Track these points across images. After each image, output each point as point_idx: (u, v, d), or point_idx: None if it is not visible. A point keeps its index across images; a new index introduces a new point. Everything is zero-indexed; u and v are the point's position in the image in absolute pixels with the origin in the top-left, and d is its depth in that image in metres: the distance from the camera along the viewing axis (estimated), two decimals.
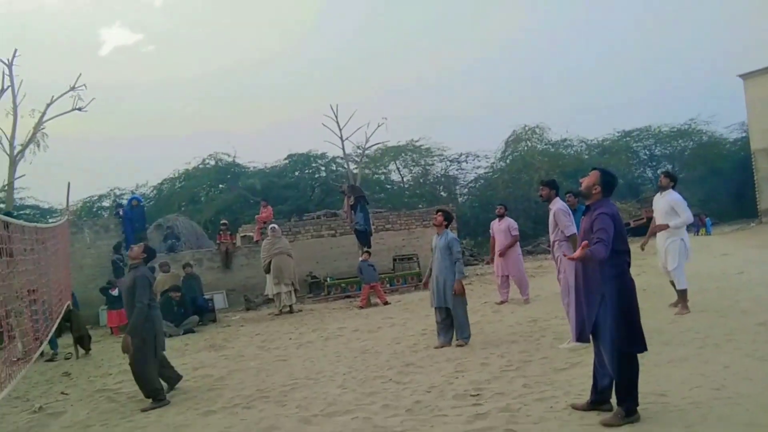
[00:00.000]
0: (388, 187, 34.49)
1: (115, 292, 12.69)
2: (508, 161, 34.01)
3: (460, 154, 34.52)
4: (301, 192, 31.34)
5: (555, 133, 35.24)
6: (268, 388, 6.75)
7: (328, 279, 15.99)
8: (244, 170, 32.19)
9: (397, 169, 34.90)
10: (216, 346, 9.95)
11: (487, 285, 14.84)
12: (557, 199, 7.46)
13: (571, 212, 7.47)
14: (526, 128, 34.19)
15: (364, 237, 15.65)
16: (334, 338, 9.51)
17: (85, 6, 46.34)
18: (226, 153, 32.25)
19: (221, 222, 17.83)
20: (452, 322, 7.91)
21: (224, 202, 28.94)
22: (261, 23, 52.46)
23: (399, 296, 14.29)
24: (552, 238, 7.34)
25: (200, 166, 32.06)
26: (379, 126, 27.81)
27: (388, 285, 15.11)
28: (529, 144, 34.39)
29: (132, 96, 46.34)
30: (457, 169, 35.09)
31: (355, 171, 29.38)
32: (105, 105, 44.90)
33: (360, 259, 13.86)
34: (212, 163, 32.21)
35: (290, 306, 13.16)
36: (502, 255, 10.96)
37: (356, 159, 30.53)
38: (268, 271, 13.48)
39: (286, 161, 33.04)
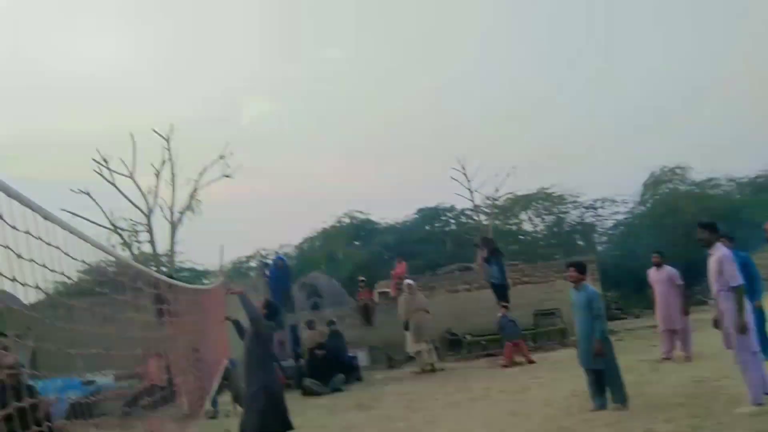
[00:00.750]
0: (522, 237, 33.73)
1: None
2: (648, 205, 32.04)
3: (595, 200, 33.09)
4: (433, 246, 31.50)
5: (698, 172, 32.71)
6: None
7: (468, 336, 15.73)
8: (377, 227, 33.05)
9: (529, 218, 34.14)
10: (363, 406, 10.06)
11: (639, 340, 13.89)
12: (719, 244, 6.81)
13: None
14: (665, 169, 32.15)
15: (501, 291, 15.32)
16: (481, 399, 9.29)
17: (227, 78, 50.76)
18: (360, 210, 33.39)
19: (359, 279, 18.31)
20: (605, 384, 7.44)
21: (360, 259, 29.74)
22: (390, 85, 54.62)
23: (544, 354, 13.72)
24: (716, 287, 6.71)
25: (336, 224, 33.37)
26: (508, 175, 27.73)
27: (531, 342, 14.58)
28: (671, 186, 32.22)
29: (270, 159, 49.59)
30: (593, 216, 33.62)
31: (485, 222, 29.24)
32: (250, 169, 48.26)
33: (498, 314, 13.55)
34: (347, 221, 33.42)
35: (432, 364, 13.07)
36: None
37: (486, 210, 30.39)
38: (407, 328, 13.55)
39: (416, 216, 33.53)
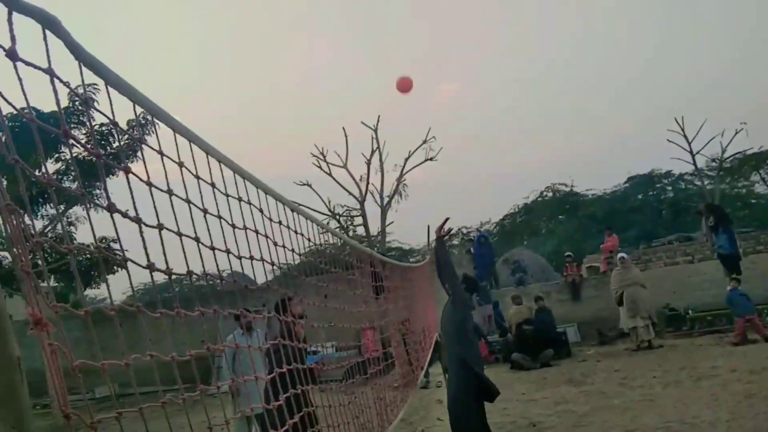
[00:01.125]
0: (753, 201, 29.84)
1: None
2: None
3: None
4: (647, 216, 29.22)
5: None
6: (637, 429, 6.40)
7: (690, 311, 14.45)
8: (582, 198, 31.59)
9: (763, 179, 30.01)
10: (575, 381, 9.84)
11: None
12: None
13: None
14: None
15: (730, 262, 13.84)
16: (707, 379, 8.53)
17: (425, 64, 51.99)
18: (563, 183, 32.17)
19: (566, 254, 17.74)
20: None
21: (565, 233, 28.76)
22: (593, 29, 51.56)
23: None
24: None
25: (539, 199, 32.57)
26: (737, 132, 24.62)
27: (767, 318, 12.95)
28: None
29: (469, 138, 49.86)
30: None
31: (709, 187, 26.32)
32: (451, 150, 49.20)
33: (728, 288, 12.22)
34: (550, 194, 32.44)
35: (649, 341, 12.27)
36: None
37: (710, 174, 27.35)
38: (620, 303, 12.88)
39: (627, 184, 31.33)
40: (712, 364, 9.52)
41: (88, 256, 17.72)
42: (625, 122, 45.28)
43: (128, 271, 1.85)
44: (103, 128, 14.31)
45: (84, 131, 17.46)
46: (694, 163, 25.47)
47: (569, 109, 50.95)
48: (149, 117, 1.95)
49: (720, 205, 17.34)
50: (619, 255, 13.72)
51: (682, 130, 24.56)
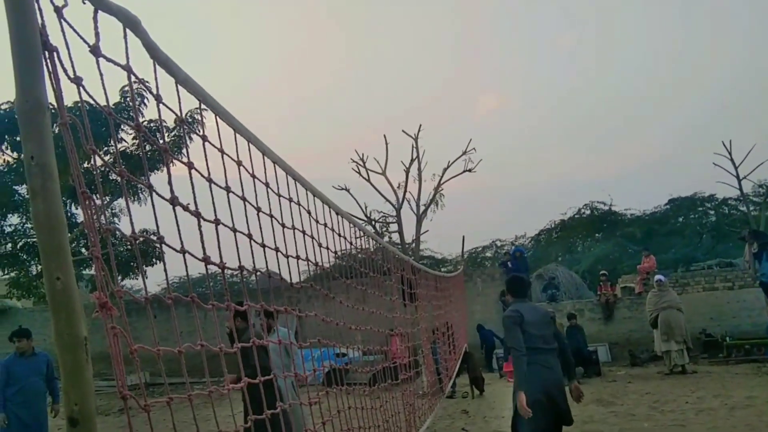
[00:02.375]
0: None
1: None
2: None
3: None
4: (687, 239, 28.60)
5: None
6: None
7: (728, 338, 14.08)
8: (620, 218, 31.06)
9: None
10: (604, 401, 9.68)
11: None
12: None
13: None
14: None
15: None
16: (742, 408, 8.29)
17: (461, 77, 52.00)
18: (602, 201, 31.69)
19: (600, 272, 17.47)
20: None
21: (601, 252, 28.31)
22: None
23: None
24: None
25: (576, 216, 32.15)
26: None
27: None
28: None
29: (508, 150, 49.57)
30: None
31: (755, 214, 25.62)
32: (487, 163, 49.01)
33: None
34: (588, 212, 31.98)
35: (683, 366, 12.00)
36: None
37: (756, 200, 26.65)
38: (654, 325, 12.63)
39: (668, 206, 30.69)
40: (748, 394, 9.26)
41: (129, 247, 18.20)
42: (669, 143, 44.52)
43: (164, 264, 1.89)
44: (151, 125, 14.69)
45: (133, 126, 17.99)
46: (740, 188, 24.86)
47: (611, 127, 50.30)
48: (197, 116, 2.02)
49: (765, 232, 16.85)
50: (657, 277, 13.46)
51: (729, 153, 24.03)
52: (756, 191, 26.48)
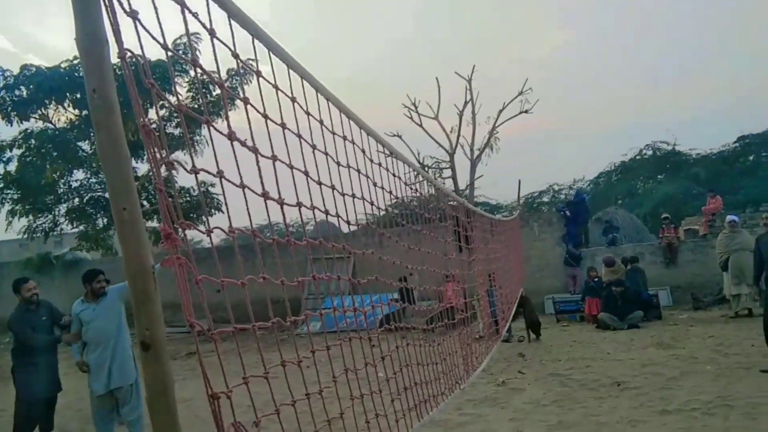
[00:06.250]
0: None
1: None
2: None
3: None
4: (758, 179, 27.27)
5: None
6: (732, 396, 6.17)
7: None
8: (685, 158, 29.83)
9: None
10: (664, 344, 9.54)
11: None
12: None
13: None
14: None
15: None
16: None
17: (526, 13, 50.16)
18: (665, 141, 30.45)
19: (663, 215, 16.92)
20: None
21: (664, 194, 27.32)
22: None
23: None
24: None
25: (637, 157, 31.06)
26: None
27: None
28: None
29: (569, 91, 47.98)
30: None
31: None
32: (548, 103, 47.66)
33: None
34: (650, 153, 30.83)
35: (750, 309, 11.65)
36: None
37: None
38: (725, 268, 12.21)
39: (737, 144, 29.22)
40: None
41: (189, 198, 18.75)
42: (743, 81, 42.01)
43: (228, 213, 1.89)
44: (204, 76, 14.81)
45: (186, 80, 18.18)
46: None
47: (678, 64, 47.80)
48: (252, 63, 2.02)
49: None
50: (729, 217, 12.86)
51: None
52: None
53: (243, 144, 1.73)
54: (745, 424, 5.38)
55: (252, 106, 1.82)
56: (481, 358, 7.17)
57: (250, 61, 2.10)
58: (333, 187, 2.37)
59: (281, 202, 1.92)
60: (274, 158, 1.89)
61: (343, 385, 2.73)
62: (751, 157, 28.91)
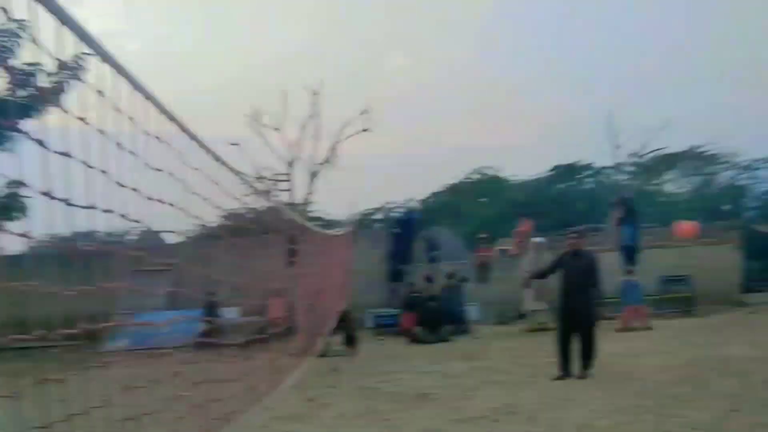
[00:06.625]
0: (663, 199, 31.50)
1: None
2: None
3: (756, 161, 29.77)
4: (566, 205, 30.42)
5: None
6: (517, 404, 6.69)
7: None
8: (507, 183, 32.42)
9: (674, 179, 31.71)
10: (468, 357, 10.17)
11: None
12: None
13: None
14: None
15: (630, 254, 14.55)
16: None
17: (369, 35, 51.73)
18: (491, 167, 32.88)
19: (481, 235, 18.19)
20: None
21: (486, 216, 29.46)
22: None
23: (665, 321, 12.95)
24: None
25: (465, 180, 33.17)
26: (657, 131, 25.76)
27: (652, 308, 13.74)
28: None
29: (407, 113, 50.07)
30: (748, 179, 30.41)
31: (625, 182, 27.57)
32: (388, 123, 49.35)
33: (623, 278, 12.91)
34: (476, 176, 33.09)
35: (545, 323, 12.84)
36: None
37: (628, 169, 28.61)
38: (527, 286, 13.34)
39: (551, 173, 32.38)
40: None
41: None
42: (561, 112, 46.64)
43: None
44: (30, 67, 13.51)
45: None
46: (614, 158, 26.59)
47: (508, 98, 51.98)
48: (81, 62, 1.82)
49: (630, 199, 18.12)
50: (535, 239, 14.12)
51: (610, 126, 25.56)
52: (630, 162, 28.38)
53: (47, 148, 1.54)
54: (525, 428, 5.85)
55: (66, 110, 1.62)
56: (291, 372, 7.13)
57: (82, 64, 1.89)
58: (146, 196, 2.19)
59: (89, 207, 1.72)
60: (85, 164, 1.70)
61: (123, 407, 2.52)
62: (561, 185, 32.19)
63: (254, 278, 5.14)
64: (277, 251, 6.06)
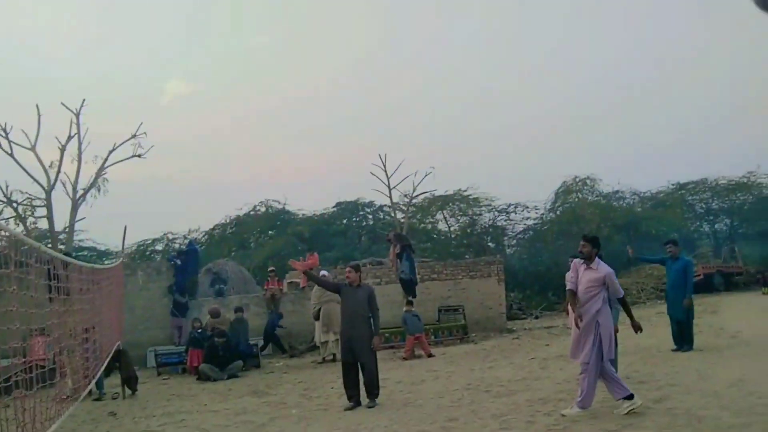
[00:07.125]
0: (435, 236, 34.35)
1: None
2: (557, 213, 33.45)
3: (509, 205, 34.13)
4: (349, 240, 31.58)
5: (606, 184, 34.53)
6: None
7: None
8: (293, 217, 32.71)
9: (445, 218, 34.79)
10: (259, 392, 9.93)
11: (535, 340, 14.51)
12: (599, 260, 6.80)
13: None
14: (577, 179, 33.68)
15: (409, 286, 15.51)
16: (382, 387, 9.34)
17: (147, 60, 49.23)
18: (277, 200, 32.94)
19: (269, 268, 18.03)
20: None
21: (273, 249, 29.32)
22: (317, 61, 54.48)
23: (444, 348, 14.04)
24: (587, 296, 6.63)
25: (251, 212, 32.75)
26: (426, 175, 28.05)
27: (432, 337, 14.85)
28: (580, 196, 33.79)
29: (187, 142, 48.24)
30: (505, 220, 34.67)
31: (402, 220, 29.49)
32: (164, 151, 46.97)
33: (404, 309, 13.73)
34: (263, 209, 32.88)
35: (334, 354, 13.07)
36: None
37: (403, 208, 30.67)
38: (317, 318, 13.48)
39: (335, 209, 33.46)
40: (382, 377, 10.36)
41: None
42: (344, 150, 48.65)
43: None
44: None
45: None
46: (390, 197, 28.35)
47: (294, 131, 52.88)
48: None
49: (406, 235, 19.41)
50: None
51: (384, 165, 27.18)
52: (402, 200, 30.45)
53: None
54: None
55: None
56: (58, 421, 6.28)
57: None
58: None
59: None
60: None
61: None
62: (344, 221, 33.44)
63: (7, 316, 4.59)
64: (34, 286, 5.37)
